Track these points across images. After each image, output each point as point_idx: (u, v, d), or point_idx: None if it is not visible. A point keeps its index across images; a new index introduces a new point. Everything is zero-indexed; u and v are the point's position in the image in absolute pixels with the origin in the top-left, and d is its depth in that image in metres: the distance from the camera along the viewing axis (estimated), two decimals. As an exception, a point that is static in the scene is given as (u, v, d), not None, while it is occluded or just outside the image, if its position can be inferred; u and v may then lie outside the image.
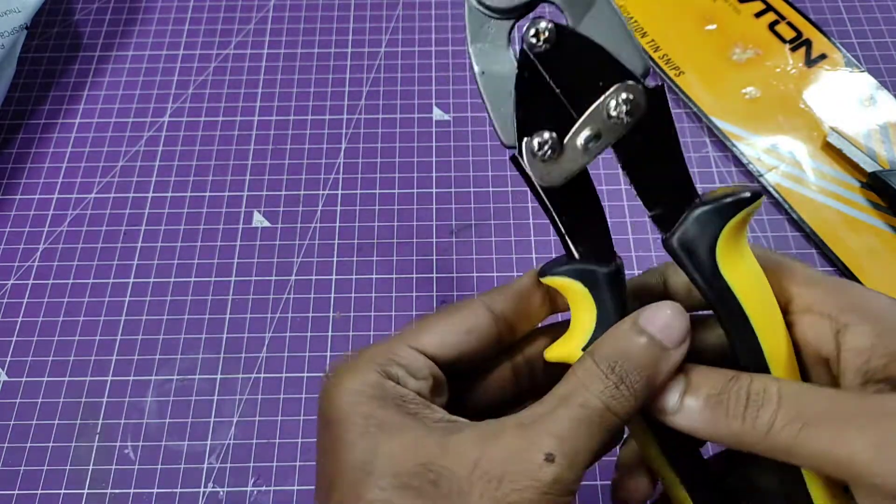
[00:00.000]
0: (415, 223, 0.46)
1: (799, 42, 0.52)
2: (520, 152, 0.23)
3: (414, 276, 0.45)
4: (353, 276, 0.45)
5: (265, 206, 0.47)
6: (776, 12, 0.54)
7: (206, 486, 0.39)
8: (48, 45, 0.55)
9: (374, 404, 0.22)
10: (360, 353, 0.24)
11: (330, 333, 0.43)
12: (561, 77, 0.23)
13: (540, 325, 0.28)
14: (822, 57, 0.51)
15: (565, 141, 0.23)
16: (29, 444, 0.40)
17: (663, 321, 0.22)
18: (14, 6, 0.48)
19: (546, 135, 0.23)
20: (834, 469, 0.20)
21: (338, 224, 0.47)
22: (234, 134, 0.50)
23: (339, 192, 0.48)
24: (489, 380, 0.26)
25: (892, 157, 0.47)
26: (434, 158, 0.49)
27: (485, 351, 0.25)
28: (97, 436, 0.40)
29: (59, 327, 0.43)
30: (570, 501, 0.21)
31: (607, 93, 0.23)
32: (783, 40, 0.52)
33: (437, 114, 0.51)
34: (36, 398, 0.41)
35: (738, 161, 0.48)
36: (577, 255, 0.25)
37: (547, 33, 0.22)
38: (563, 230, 0.25)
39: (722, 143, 0.49)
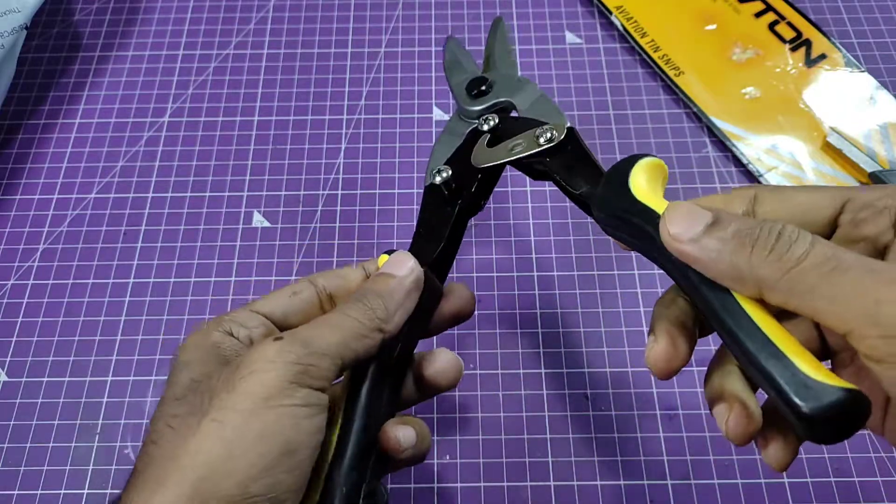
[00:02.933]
0: (415, 223, 0.46)
1: (799, 42, 0.52)
2: (431, 180, 0.34)
3: (414, 276, 0.45)
4: (353, 276, 0.45)
5: (265, 206, 0.47)
6: (776, 12, 0.54)
7: (206, 486, 0.39)
8: (48, 45, 0.55)
9: (197, 351, 0.27)
10: (211, 319, 0.30)
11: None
12: (500, 139, 0.33)
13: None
14: (822, 57, 0.51)
15: (503, 141, 0.33)
16: (29, 444, 0.40)
17: (394, 263, 0.30)
18: (14, 6, 0.48)
19: (444, 172, 0.33)
20: (838, 317, 0.20)
21: (338, 224, 0.47)
22: (234, 134, 0.50)
23: (339, 192, 0.48)
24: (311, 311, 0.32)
25: (892, 157, 0.47)
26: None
27: (311, 313, 0.31)
28: (97, 436, 0.40)
29: (59, 327, 0.43)
30: (302, 387, 0.25)
31: (540, 127, 0.32)
32: (783, 40, 0.52)
33: (437, 114, 0.51)
34: (36, 398, 0.41)
35: (738, 161, 0.48)
36: (424, 258, 0.32)
37: (493, 121, 0.34)
38: (426, 237, 0.33)
39: (722, 143, 0.49)
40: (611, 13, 0.54)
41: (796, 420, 0.20)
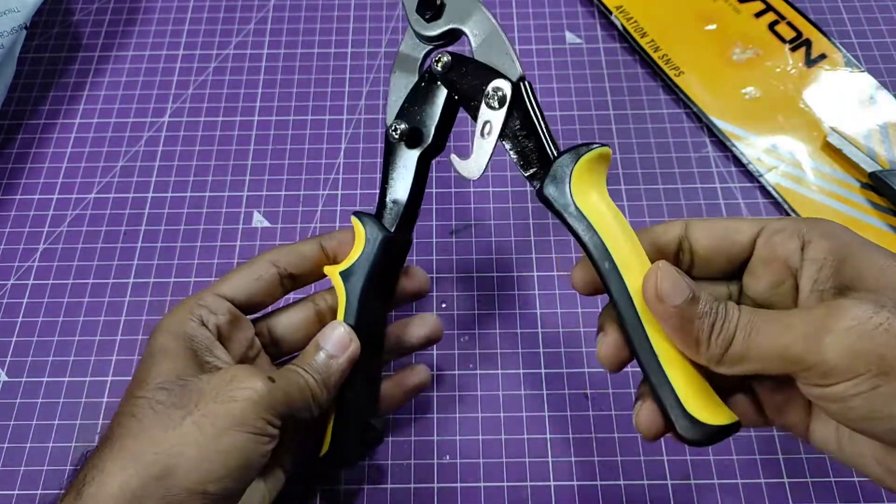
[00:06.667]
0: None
1: (799, 42, 0.52)
2: (393, 130, 0.35)
3: (414, 276, 0.45)
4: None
5: (265, 206, 0.47)
6: (776, 12, 0.54)
7: (206, 486, 0.39)
8: (48, 45, 0.55)
9: (169, 336, 0.31)
10: (183, 301, 0.33)
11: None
12: (457, 87, 0.33)
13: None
14: (822, 57, 0.51)
15: (474, 141, 0.32)
16: (29, 445, 0.40)
17: (327, 336, 0.33)
18: (13, 6, 0.48)
19: (401, 126, 0.34)
20: (777, 362, 0.24)
21: (338, 224, 0.47)
22: (234, 134, 0.50)
23: (339, 192, 0.48)
24: (295, 316, 0.36)
25: (892, 157, 0.47)
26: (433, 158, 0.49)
27: (273, 293, 0.35)
28: (97, 436, 0.40)
29: (59, 327, 0.43)
30: (269, 425, 0.29)
31: (486, 89, 0.32)
32: (783, 40, 0.52)
33: (437, 114, 0.51)
34: (36, 398, 0.41)
35: (738, 161, 0.48)
36: (383, 217, 0.35)
37: (445, 60, 0.34)
38: (391, 197, 0.35)
39: (722, 143, 0.49)
40: (611, 13, 0.54)
41: (676, 437, 0.26)
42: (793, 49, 0.52)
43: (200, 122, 0.51)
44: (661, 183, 0.48)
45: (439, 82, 0.34)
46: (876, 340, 0.22)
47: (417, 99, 0.35)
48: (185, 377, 0.29)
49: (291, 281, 0.35)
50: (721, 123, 0.49)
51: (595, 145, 0.30)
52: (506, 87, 0.31)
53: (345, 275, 0.34)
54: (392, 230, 0.34)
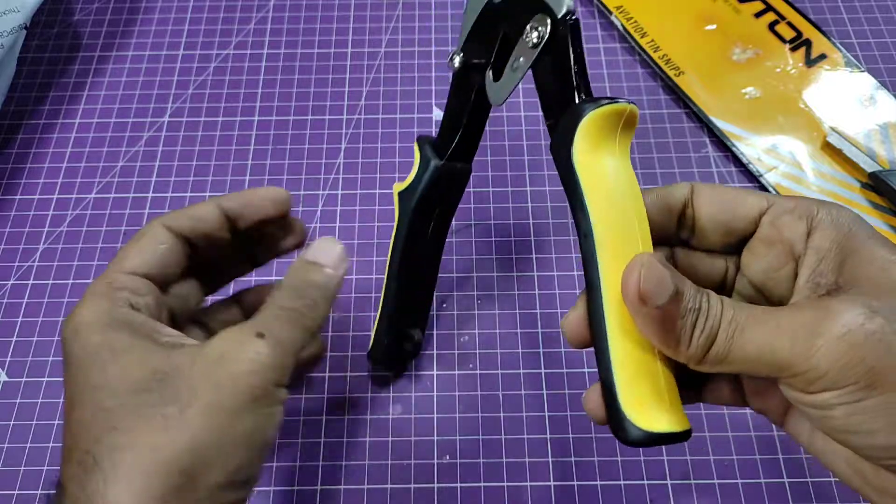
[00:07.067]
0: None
1: (799, 42, 0.52)
2: (451, 60, 0.33)
3: (414, 276, 0.45)
4: (353, 277, 0.45)
5: (265, 206, 0.47)
6: (776, 12, 0.54)
7: (206, 487, 0.39)
8: (48, 45, 0.55)
9: (105, 331, 0.26)
10: (88, 288, 0.27)
11: (330, 333, 0.43)
12: (507, 19, 0.31)
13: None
14: (822, 57, 0.51)
15: (505, 69, 0.31)
16: (29, 445, 0.40)
17: (325, 251, 0.30)
18: (13, 6, 0.48)
19: (458, 57, 0.33)
20: (762, 366, 0.23)
21: (338, 224, 0.47)
22: (234, 134, 0.50)
23: (339, 192, 0.48)
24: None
25: (892, 157, 0.47)
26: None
27: (179, 261, 0.30)
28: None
29: (58, 327, 0.43)
30: (280, 388, 0.26)
31: (526, 27, 0.29)
32: (783, 40, 0.52)
33: (437, 114, 0.51)
34: (36, 398, 0.41)
35: (738, 161, 0.48)
36: (440, 145, 0.36)
37: None
38: (448, 125, 0.35)
39: (722, 143, 0.49)
40: (611, 13, 0.54)
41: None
42: (793, 49, 0.52)
43: (200, 122, 0.51)
44: (661, 183, 0.48)
45: (498, 13, 0.31)
46: (867, 350, 0.21)
47: (479, 31, 0.33)
48: (160, 370, 0.25)
49: (189, 247, 0.31)
50: (721, 123, 0.49)
51: (621, 100, 0.26)
52: (545, 24, 0.28)
53: (402, 195, 0.36)
54: (447, 158, 0.36)
